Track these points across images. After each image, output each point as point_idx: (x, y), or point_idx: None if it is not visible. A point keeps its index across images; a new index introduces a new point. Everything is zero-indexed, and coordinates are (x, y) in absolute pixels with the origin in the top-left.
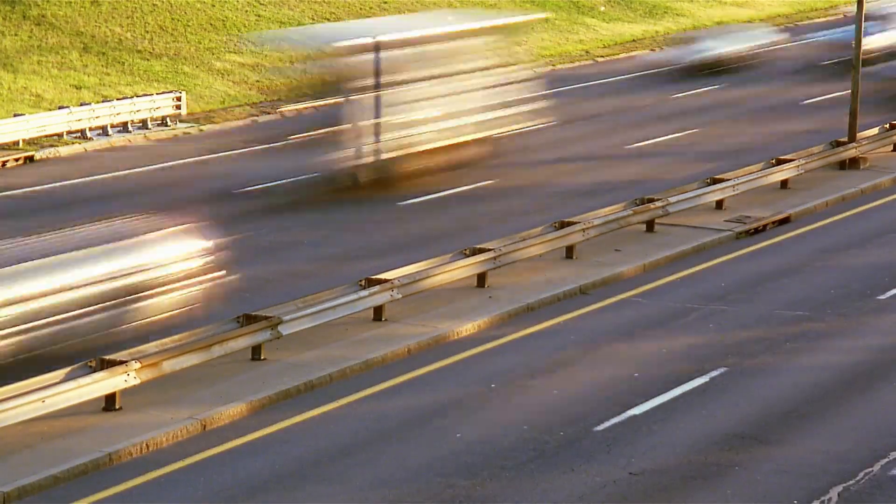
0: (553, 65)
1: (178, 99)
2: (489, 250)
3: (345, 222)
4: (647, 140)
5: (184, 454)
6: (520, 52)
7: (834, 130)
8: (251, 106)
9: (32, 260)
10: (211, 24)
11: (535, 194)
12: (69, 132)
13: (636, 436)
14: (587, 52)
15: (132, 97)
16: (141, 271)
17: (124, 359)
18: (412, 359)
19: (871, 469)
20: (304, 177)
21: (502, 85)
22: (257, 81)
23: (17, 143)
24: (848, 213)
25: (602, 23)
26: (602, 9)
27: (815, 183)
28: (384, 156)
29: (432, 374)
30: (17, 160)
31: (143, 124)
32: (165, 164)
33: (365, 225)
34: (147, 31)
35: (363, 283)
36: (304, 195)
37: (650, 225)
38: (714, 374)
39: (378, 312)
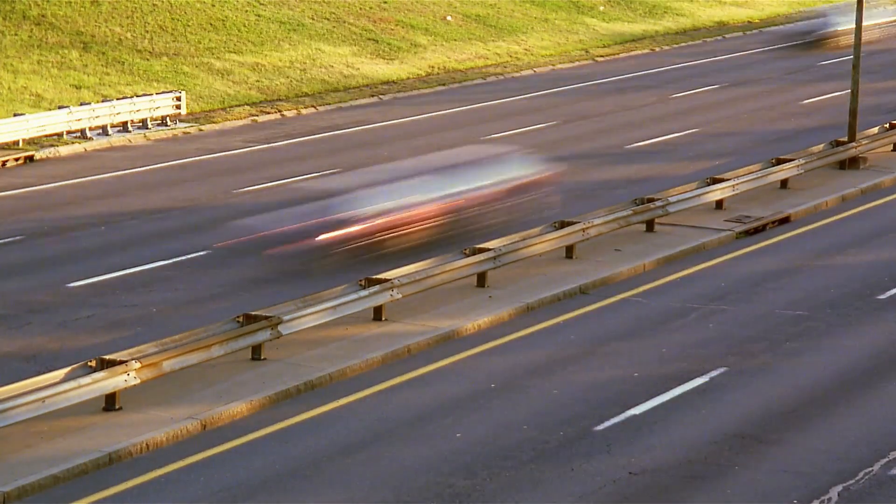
0: (553, 65)
1: (178, 99)
2: (489, 250)
3: None
4: (647, 140)
5: (184, 454)
6: None
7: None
8: (251, 106)
9: None
10: (211, 24)
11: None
12: (69, 132)
13: (636, 436)
14: (587, 51)
15: (132, 97)
16: None
17: (124, 359)
18: (412, 359)
19: (871, 469)
20: None
21: None
22: (257, 81)
23: (17, 143)
24: (848, 213)
25: (602, 23)
26: (602, 9)
27: (815, 183)
28: None
29: (432, 374)
30: (17, 160)
31: (143, 124)
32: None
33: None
34: (147, 31)
35: (363, 283)
36: None
37: (650, 225)
38: (714, 374)
39: (378, 312)
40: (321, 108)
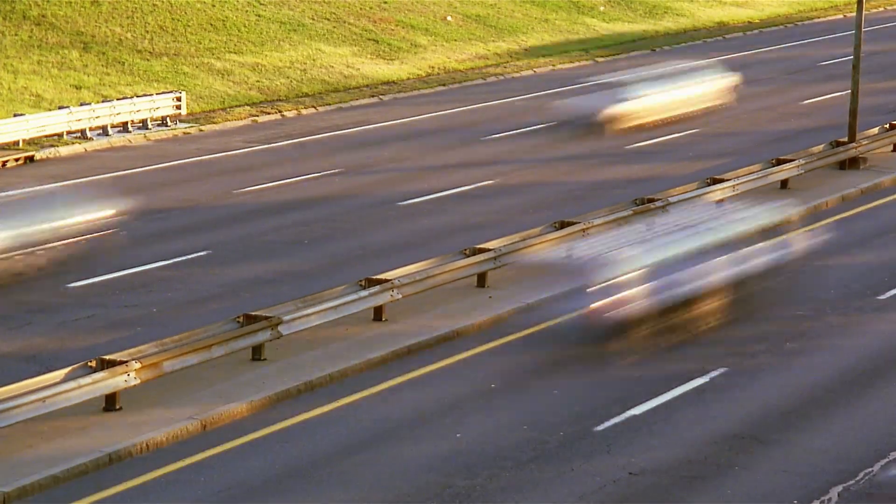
0: (553, 65)
1: (178, 99)
2: (489, 250)
3: (345, 222)
4: (647, 140)
5: (184, 454)
6: None
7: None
8: (251, 106)
9: None
10: (211, 24)
11: (535, 194)
12: (69, 132)
13: (636, 436)
14: (587, 51)
15: (132, 97)
16: None
17: (124, 359)
18: (412, 359)
19: (871, 469)
20: None
21: None
22: (257, 82)
23: (17, 143)
24: (848, 213)
25: (602, 23)
26: (602, 9)
27: (815, 183)
28: None
29: (432, 374)
30: (17, 160)
31: (143, 124)
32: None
33: (365, 225)
34: (147, 31)
35: (363, 283)
36: None
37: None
38: (714, 374)
39: (378, 312)
40: (321, 109)
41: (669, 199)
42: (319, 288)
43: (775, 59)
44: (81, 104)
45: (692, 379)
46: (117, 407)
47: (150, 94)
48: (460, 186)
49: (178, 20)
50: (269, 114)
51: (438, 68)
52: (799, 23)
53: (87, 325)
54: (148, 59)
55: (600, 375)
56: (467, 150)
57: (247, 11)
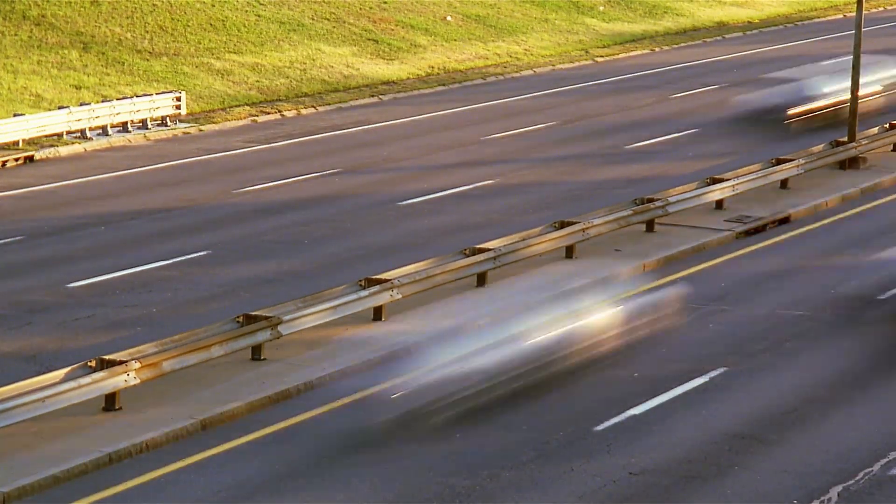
0: (553, 65)
1: (178, 99)
2: (489, 250)
3: (345, 222)
4: (647, 140)
5: (184, 454)
6: None
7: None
8: (251, 106)
9: None
10: (211, 24)
11: (535, 194)
12: (69, 132)
13: (636, 436)
14: (587, 51)
15: (132, 97)
16: None
17: (124, 359)
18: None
19: (871, 469)
20: None
21: None
22: (257, 81)
23: (17, 143)
24: (848, 213)
25: (602, 23)
26: (602, 9)
27: (815, 183)
28: None
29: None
30: (17, 160)
31: (143, 124)
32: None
33: (365, 225)
34: (147, 31)
35: (363, 283)
36: None
37: (650, 225)
38: (714, 374)
39: (378, 312)
40: (321, 109)
41: (669, 198)
42: (319, 288)
43: (775, 58)
44: (81, 104)
45: (692, 379)
46: (117, 407)
47: (150, 94)
48: (460, 186)
49: (178, 20)
50: (268, 114)
51: (438, 68)
52: (799, 23)
53: (87, 325)
54: (148, 59)
55: (600, 375)
56: (467, 150)
57: (247, 11)
